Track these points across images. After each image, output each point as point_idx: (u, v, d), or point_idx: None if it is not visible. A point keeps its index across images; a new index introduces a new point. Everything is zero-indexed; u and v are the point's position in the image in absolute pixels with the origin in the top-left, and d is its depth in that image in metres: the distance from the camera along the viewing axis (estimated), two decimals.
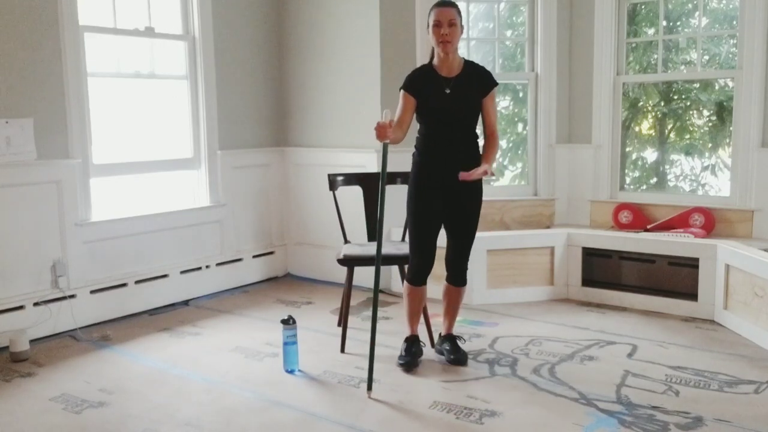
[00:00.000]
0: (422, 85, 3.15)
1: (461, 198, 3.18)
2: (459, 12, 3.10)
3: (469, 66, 3.19)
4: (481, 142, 3.24)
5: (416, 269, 3.24)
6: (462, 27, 3.12)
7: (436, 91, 3.13)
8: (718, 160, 4.88)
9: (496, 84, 3.19)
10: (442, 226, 3.26)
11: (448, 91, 3.12)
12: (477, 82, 3.16)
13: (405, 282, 3.32)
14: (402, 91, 3.18)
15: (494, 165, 3.18)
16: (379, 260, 3.05)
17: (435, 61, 3.18)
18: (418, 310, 3.35)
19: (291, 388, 3.06)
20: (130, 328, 3.97)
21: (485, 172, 3.01)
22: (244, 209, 4.91)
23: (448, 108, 3.13)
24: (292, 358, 3.24)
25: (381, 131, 2.92)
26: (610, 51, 4.84)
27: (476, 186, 3.20)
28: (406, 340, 3.34)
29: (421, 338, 3.41)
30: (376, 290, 3.04)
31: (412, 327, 3.36)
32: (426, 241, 3.20)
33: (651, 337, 3.69)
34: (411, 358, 3.26)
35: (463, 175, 2.99)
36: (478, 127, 3.25)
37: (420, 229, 3.20)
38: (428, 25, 3.11)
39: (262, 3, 4.93)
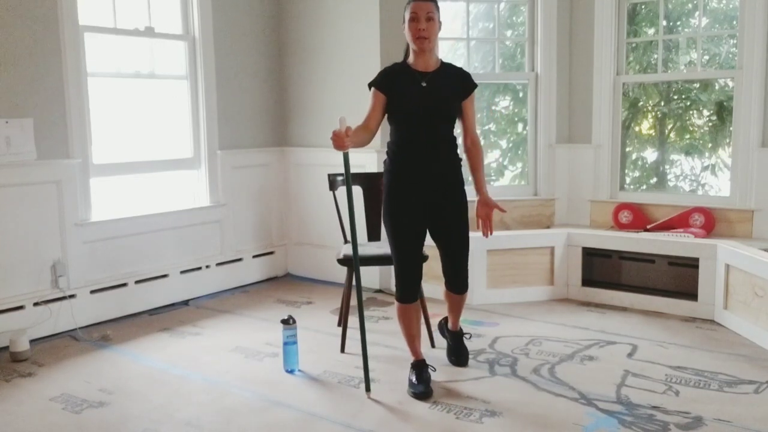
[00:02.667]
0: (395, 81, 2.92)
1: (445, 206, 2.99)
2: (437, 7, 2.89)
3: (447, 65, 3.00)
4: (459, 148, 3.07)
5: (403, 287, 2.99)
6: (440, 23, 2.92)
7: (411, 85, 2.89)
8: (718, 160, 4.88)
9: (476, 86, 3.01)
10: (430, 237, 3.08)
11: (424, 84, 2.88)
12: (456, 81, 2.97)
13: (396, 302, 3.05)
14: (372, 88, 2.94)
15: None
16: (356, 263, 2.98)
17: (410, 58, 2.96)
18: (416, 331, 3.08)
19: (291, 388, 3.06)
20: (130, 328, 3.97)
21: (495, 209, 2.98)
22: (244, 209, 4.91)
23: (425, 102, 2.87)
24: (292, 358, 3.24)
25: (338, 142, 2.70)
26: (610, 51, 4.84)
27: (458, 191, 3.02)
28: (413, 366, 3.02)
29: (426, 344, 3.34)
30: (359, 293, 2.98)
31: (415, 351, 3.07)
32: (409, 257, 2.97)
33: (651, 337, 3.69)
34: (424, 386, 2.93)
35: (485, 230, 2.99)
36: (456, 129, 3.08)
37: (401, 244, 2.95)
38: (404, 20, 2.89)
39: (262, 3, 4.93)
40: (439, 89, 2.91)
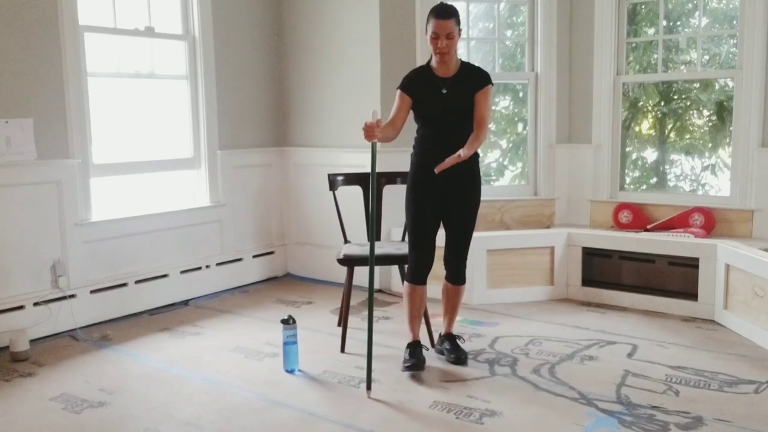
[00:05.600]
0: (420, 86, 3.17)
1: (459, 197, 3.20)
2: (458, 20, 3.09)
3: (466, 67, 3.22)
4: None
5: (415, 267, 3.23)
6: (460, 31, 3.13)
7: (433, 91, 3.15)
8: (718, 159, 4.88)
9: (491, 83, 3.19)
10: (441, 225, 3.27)
11: (445, 91, 3.14)
12: (473, 81, 3.17)
13: (405, 282, 3.30)
14: (399, 90, 3.20)
15: (479, 149, 3.20)
16: (372, 260, 3.05)
17: (433, 62, 3.19)
18: (419, 312, 3.30)
19: (291, 388, 3.06)
20: (130, 328, 3.97)
21: (458, 157, 2.98)
22: (244, 209, 4.91)
23: (446, 108, 3.15)
24: (292, 358, 3.24)
25: (368, 131, 2.93)
26: (610, 51, 4.83)
27: (474, 184, 3.24)
28: (409, 345, 3.27)
29: (422, 342, 3.35)
30: (371, 290, 3.04)
31: (414, 331, 3.29)
32: (424, 239, 3.21)
33: (651, 337, 3.69)
34: (416, 360, 3.18)
35: (439, 167, 2.99)
36: None
37: (418, 227, 3.21)
38: (426, 31, 3.11)
39: (261, 3, 4.93)
40: (458, 95, 3.15)
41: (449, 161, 2.98)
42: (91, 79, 4.02)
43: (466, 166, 3.12)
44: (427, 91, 3.16)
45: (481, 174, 3.30)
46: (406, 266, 3.33)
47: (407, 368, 3.17)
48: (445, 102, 3.14)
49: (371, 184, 3.05)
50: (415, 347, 3.25)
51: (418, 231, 3.21)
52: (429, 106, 3.17)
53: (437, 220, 3.25)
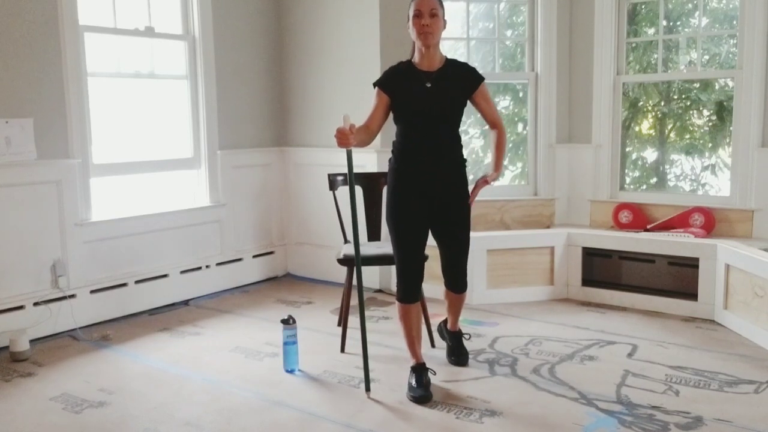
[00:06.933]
0: (400, 81, 2.93)
1: (448, 206, 2.99)
2: (441, 4, 2.89)
3: (452, 62, 2.98)
4: (465, 148, 3.16)
5: (405, 287, 2.99)
6: (445, 21, 2.91)
7: (416, 86, 2.89)
8: (718, 159, 4.88)
9: (483, 79, 2.97)
10: (431, 235, 3.06)
11: (429, 85, 2.89)
12: (461, 78, 2.95)
13: (397, 303, 3.05)
14: (376, 87, 2.95)
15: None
16: (359, 262, 2.96)
17: (415, 57, 2.96)
18: (417, 331, 3.06)
19: (291, 388, 3.06)
20: (130, 328, 3.97)
21: (485, 182, 2.96)
22: (244, 209, 4.91)
23: (430, 103, 2.88)
24: (292, 358, 3.25)
25: (342, 139, 2.66)
26: (610, 51, 4.83)
27: (462, 191, 3.02)
28: (413, 369, 2.98)
29: (427, 349, 3.28)
30: (360, 292, 2.98)
31: (416, 354, 3.02)
32: (413, 256, 2.97)
33: (651, 337, 3.69)
34: (424, 390, 2.89)
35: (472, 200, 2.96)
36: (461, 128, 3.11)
37: (404, 243, 2.95)
38: (408, 18, 2.90)
39: (261, 3, 4.93)
40: (444, 90, 2.91)
41: (477, 191, 2.98)
42: (91, 79, 4.02)
43: (451, 170, 2.96)
44: (408, 86, 2.90)
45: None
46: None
47: (414, 398, 2.87)
48: (429, 97, 2.88)
49: (350, 192, 2.87)
50: (420, 372, 2.95)
51: (404, 247, 2.95)
52: (412, 102, 2.90)
53: (425, 233, 3.00)
